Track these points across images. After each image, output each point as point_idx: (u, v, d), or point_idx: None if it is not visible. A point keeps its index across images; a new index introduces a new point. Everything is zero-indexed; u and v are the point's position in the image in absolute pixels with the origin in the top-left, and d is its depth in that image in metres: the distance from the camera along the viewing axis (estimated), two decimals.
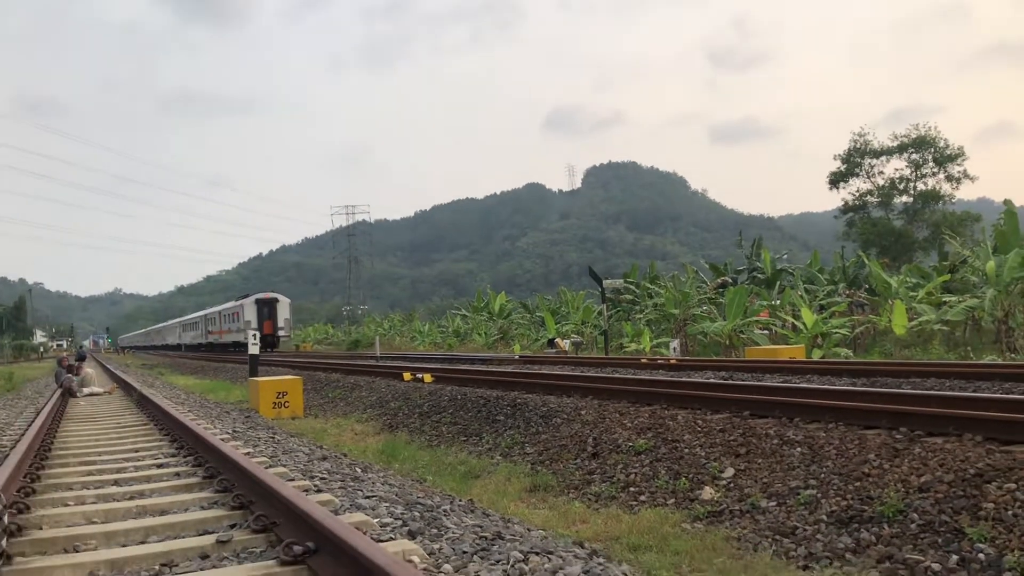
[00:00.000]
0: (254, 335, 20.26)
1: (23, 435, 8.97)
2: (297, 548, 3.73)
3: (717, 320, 27.33)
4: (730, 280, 33.70)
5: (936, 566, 4.74)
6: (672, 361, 18.85)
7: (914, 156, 53.79)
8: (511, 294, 60.48)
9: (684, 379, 12.56)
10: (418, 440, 11.57)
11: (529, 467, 8.90)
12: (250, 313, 49.28)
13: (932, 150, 52.87)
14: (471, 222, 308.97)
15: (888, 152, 54.47)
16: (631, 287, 36.40)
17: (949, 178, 53.01)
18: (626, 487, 7.55)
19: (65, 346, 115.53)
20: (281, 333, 50.22)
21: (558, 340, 32.27)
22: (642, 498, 7.20)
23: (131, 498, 5.74)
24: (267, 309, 49.66)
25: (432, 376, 16.62)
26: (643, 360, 19.78)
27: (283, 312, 50.46)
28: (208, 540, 4.28)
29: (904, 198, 55.11)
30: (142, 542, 4.50)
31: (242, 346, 34.22)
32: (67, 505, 5.58)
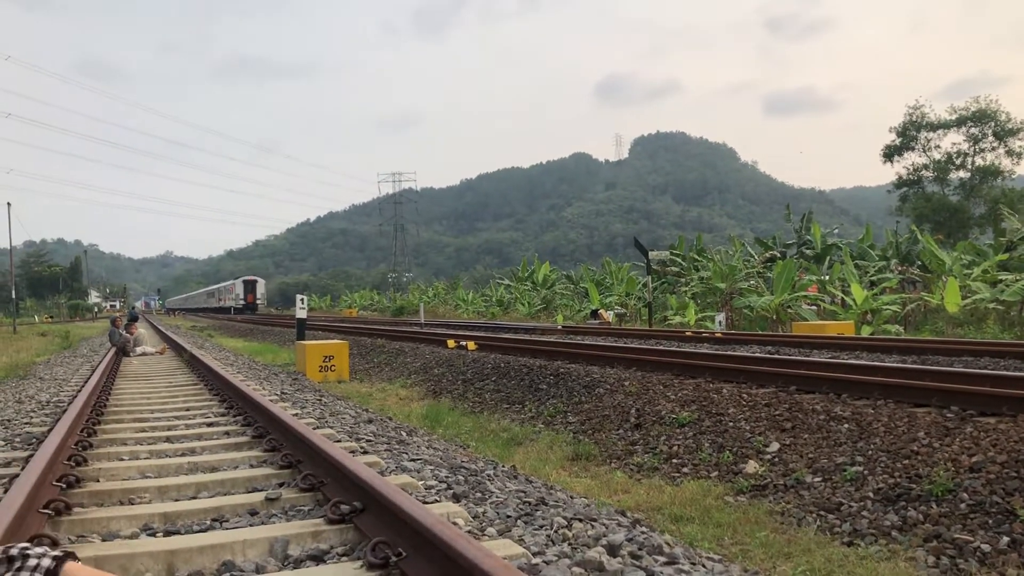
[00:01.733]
0: (301, 300, 20.61)
1: (79, 391, 9.24)
2: (344, 507, 3.79)
3: (764, 294, 26.99)
4: (778, 254, 33.19)
5: (986, 547, 4.66)
6: (717, 335, 18.69)
7: (973, 130, 52.12)
8: (555, 264, 60.33)
9: (729, 352, 12.46)
10: (461, 406, 11.67)
11: (571, 436, 8.93)
12: (239, 288, 75.38)
13: (992, 124, 51.18)
14: (516, 191, 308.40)
15: (945, 125, 52.84)
16: (677, 259, 36.06)
17: (1010, 153, 51.27)
18: (669, 459, 7.54)
19: (118, 306, 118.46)
20: (258, 302, 76.26)
21: (601, 311, 32.17)
22: (685, 470, 7.18)
23: (182, 455, 5.89)
24: (250, 286, 76.24)
25: (476, 344, 16.71)
26: (687, 333, 19.64)
27: (260, 289, 78.08)
28: (257, 497, 4.37)
29: (961, 173, 53.53)
30: (193, 497, 4.61)
31: (236, 309, 67.21)
32: (122, 459, 5.74)
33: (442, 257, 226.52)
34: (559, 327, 27.10)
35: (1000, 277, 23.98)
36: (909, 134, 54.23)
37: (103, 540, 3.71)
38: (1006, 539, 4.68)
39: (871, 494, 5.68)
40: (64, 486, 4.48)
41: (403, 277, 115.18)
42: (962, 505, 5.14)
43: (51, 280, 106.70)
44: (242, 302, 73.58)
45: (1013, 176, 52.54)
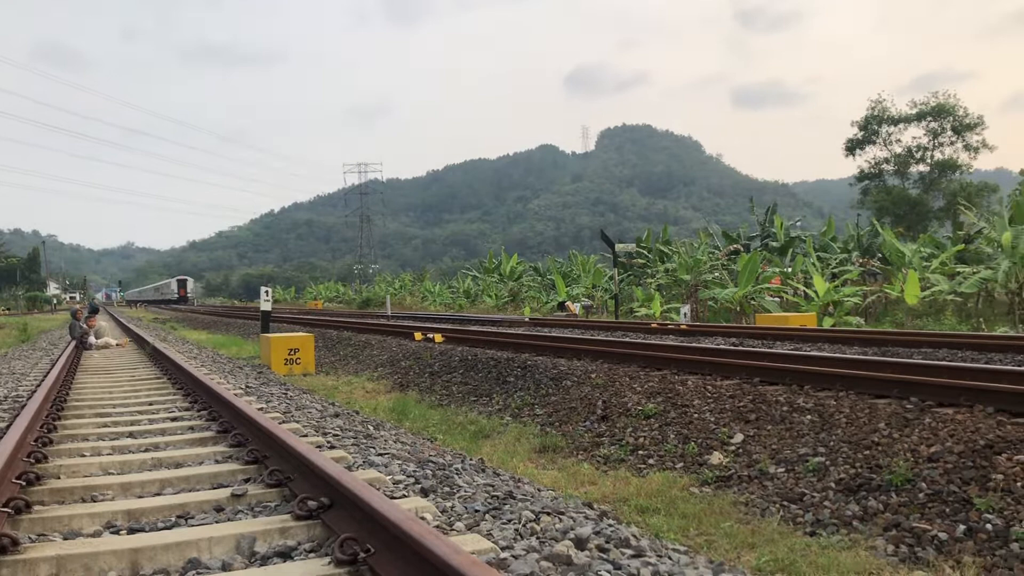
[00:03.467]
0: (266, 292, 20.46)
1: (39, 386, 9.07)
2: (312, 503, 3.78)
3: (728, 286, 27.27)
4: (742, 247, 33.53)
5: (943, 535, 4.77)
6: (682, 327, 18.86)
7: (932, 124, 53.00)
8: (522, 256, 60.38)
9: (694, 344, 12.58)
10: (428, 399, 11.66)
11: (539, 428, 8.96)
12: (174, 285, 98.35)
13: (951, 118, 52.07)
14: (483, 183, 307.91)
15: (906, 120, 53.64)
16: (643, 251, 36.28)
17: (967, 147, 52.20)
18: (635, 450, 7.60)
19: (78, 298, 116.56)
20: (189, 295, 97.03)
21: (568, 303, 32.28)
22: (651, 461, 7.25)
23: (146, 450, 5.82)
24: (182, 284, 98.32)
25: (443, 336, 16.69)
26: (653, 325, 19.79)
27: (189, 286, 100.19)
28: (223, 493, 4.33)
29: (921, 167, 54.44)
30: (157, 494, 4.56)
31: (171, 301, 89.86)
32: (83, 456, 5.66)
33: (409, 249, 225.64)
34: (526, 319, 27.16)
35: (958, 269, 24.48)
36: (871, 128, 54.97)
37: (65, 539, 3.66)
38: (963, 527, 4.79)
39: (833, 484, 5.78)
40: (24, 484, 4.40)
41: (369, 269, 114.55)
42: (921, 495, 5.25)
43: (7, 272, 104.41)
44: (176, 295, 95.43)
45: (971, 170, 53.55)
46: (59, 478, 4.89)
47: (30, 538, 3.64)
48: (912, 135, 54.25)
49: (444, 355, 14.02)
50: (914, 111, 53.31)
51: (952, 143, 52.80)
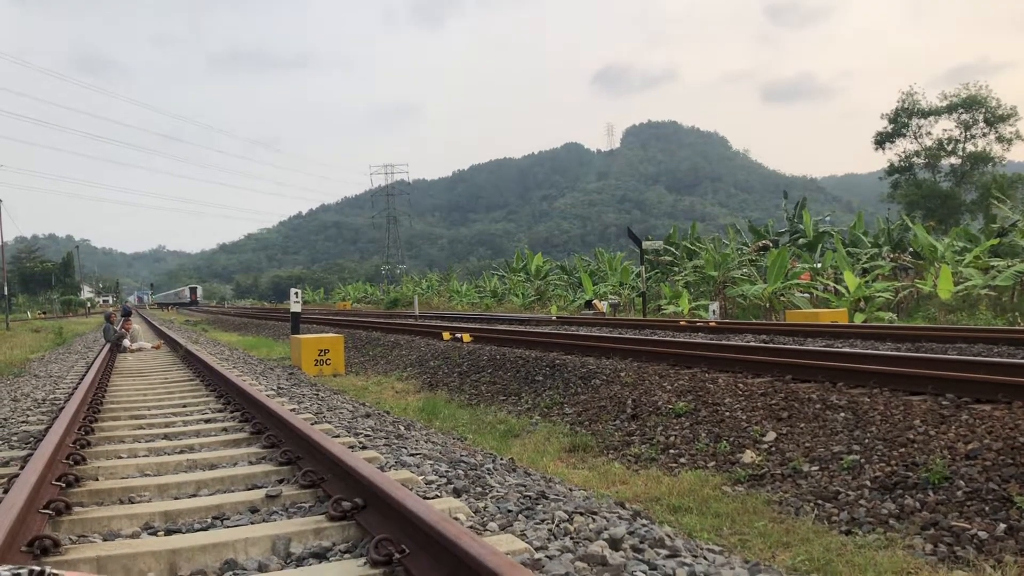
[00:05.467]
0: (296, 294, 20.63)
1: (76, 388, 9.22)
2: (345, 504, 3.80)
3: (757, 283, 27.05)
4: (771, 243, 33.25)
5: (983, 534, 4.70)
6: (711, 324, 18.73)
7: (964, 116, 52.21)
8: (548, 255, 60.37)
9: (724, 342, 12.49)
10: (458, 399, 11.69)
11: (568, 427, 8.95)
12: (187, 292, 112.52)
13: (983, 110, 51.27)
14: (509, 182, 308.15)
15: (936, 112, 52.91)
16: (670, 248, 36.09)
17: (1000, 139, 51.40)
18: (666, 449, 7.56)
19: (111, 301, 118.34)
20: (198, 299, 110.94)
21: (595, 302, 32.20)
22: (682, 460, 7.21)
23: (181, 452, 5.89)
24: (193, 291, 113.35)
25: (471, 336, 16.72)
26: (682, 323, 19.68)
27: (199, 292, 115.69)
28: (258, 495, 4.37)
29: (952, 159, 53.65)
30: (193, 495, 4.61)
31: (186, 304, 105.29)
32: (120, 457, 5.73)
33: (435, 249, 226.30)
34: (553, 318, 27.12)
35: (992, 263, 24.08)
36: (901, 121, 54.28)
37: (104, 540, 3.71)
38: (1003, 526, 4.71)
39: (868, 482, 5.71)
40: (64, 485, 4.47)
41: (396, 269, 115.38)
42: (959, 493, 5.17)
43: (43, 276, 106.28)
44: (188, 299, 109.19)
45: (1004, 162, 52.68)
46: (97, 480, 4.96)
47: (71, 539, 3.69)
48: (943, 127, 53.50)
49: (472, 354, 14.04)
50: (944, 103, 52.55)
51: (984, 135, 52.00)
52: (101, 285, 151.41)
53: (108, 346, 17.55)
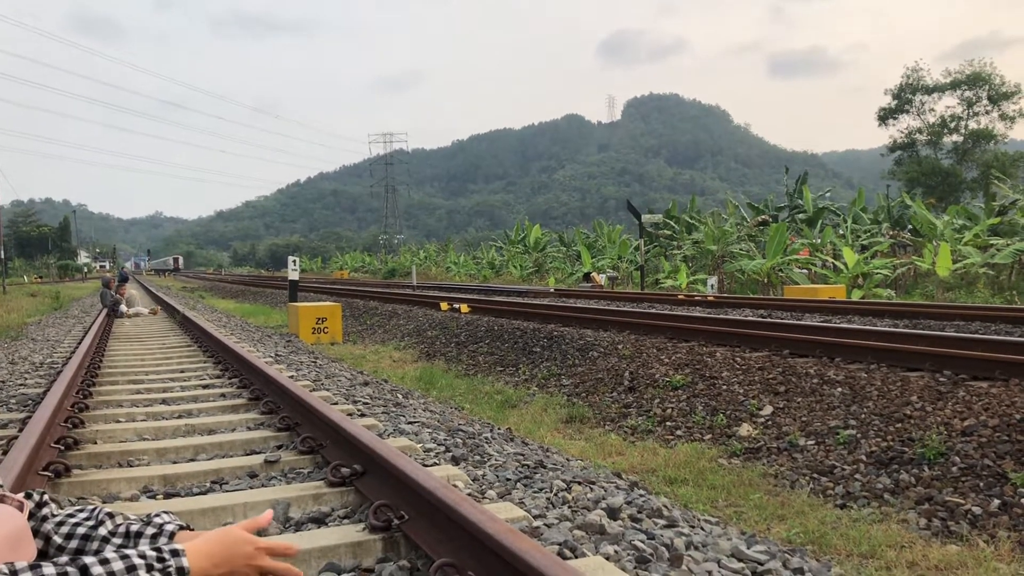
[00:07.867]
0: (293, 264, 20.60)
1: (73, 353, 9.22)
2: (344, 470, 3.81)
3: (756, 258, 27.03)
4: (770, 218, 33.19)
5: (977, 509, 4.73)
6: (709, 298, 18.74)
7: (967, 93, 51.89)
8: (547, 227, 60.27)
9: (722, 316, 12.50)
10: (455, 369, 11.71)
11: (565, 399, 8.97)
12: (171, 262, 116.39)
13: (987, 87, 50.95)
14: (508, 153, 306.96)
15: (940, 89, 52.57)
16: (669, 222, 36.02)
17: (1003, 116, 51.11)
18: (663, 421, 7.59)
19: (108, 267, 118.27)
20: (180, 268, 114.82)
21: (594, 274, 32.19)
22: (679, 433, 7.24)
23: (179, 416, 5.90)
24: (176, 261, 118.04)
25: (469, 306, 16.71)
26: (680, 296, 19.69)
27: (180, 262, 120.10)
28: (256, 460, 4.38)
29: (954, 137, 53.40)
30: (192, 459, 4.62)
31: (170, 270, 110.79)
32: (118, 421, 5.74)
33: (433, 219, 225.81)
34: (551, 290, 27.13)
35: (991, 242, 24.07)
36: (904, 97, 53.96)
37: (103, 502, 3.72)
38: (997, 502, 4.74)
39: (864, 457, 5.74)
40: (62, 448, 4.47)
41: (394, 239, 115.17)
42: (954, 468, 5.20)
43: (39, 240, 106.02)
44: (171, 267, 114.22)
45: (1006, 140, 52.43)
46: (96, 443, 4.97)
47: (70, 501, 3.70)
48: (946, 104, 53.19)
49: (470, 325, 14.05)
50: (948, 80, 52.20)
51: (987, 112, 51.69)
52: (98, 250, 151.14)
53: (105, 311, 17.54)
